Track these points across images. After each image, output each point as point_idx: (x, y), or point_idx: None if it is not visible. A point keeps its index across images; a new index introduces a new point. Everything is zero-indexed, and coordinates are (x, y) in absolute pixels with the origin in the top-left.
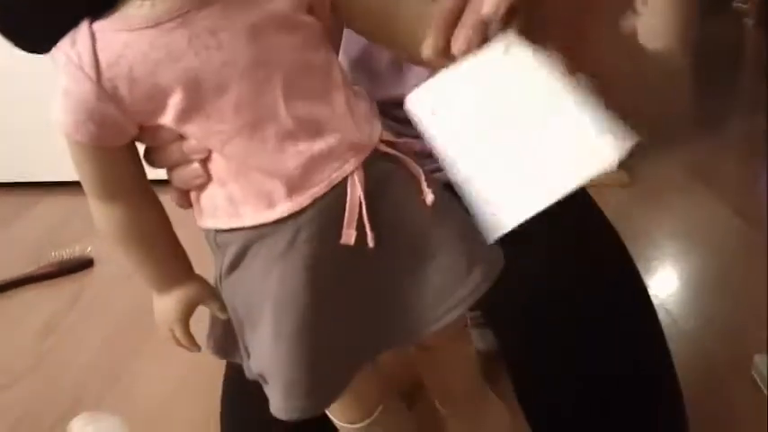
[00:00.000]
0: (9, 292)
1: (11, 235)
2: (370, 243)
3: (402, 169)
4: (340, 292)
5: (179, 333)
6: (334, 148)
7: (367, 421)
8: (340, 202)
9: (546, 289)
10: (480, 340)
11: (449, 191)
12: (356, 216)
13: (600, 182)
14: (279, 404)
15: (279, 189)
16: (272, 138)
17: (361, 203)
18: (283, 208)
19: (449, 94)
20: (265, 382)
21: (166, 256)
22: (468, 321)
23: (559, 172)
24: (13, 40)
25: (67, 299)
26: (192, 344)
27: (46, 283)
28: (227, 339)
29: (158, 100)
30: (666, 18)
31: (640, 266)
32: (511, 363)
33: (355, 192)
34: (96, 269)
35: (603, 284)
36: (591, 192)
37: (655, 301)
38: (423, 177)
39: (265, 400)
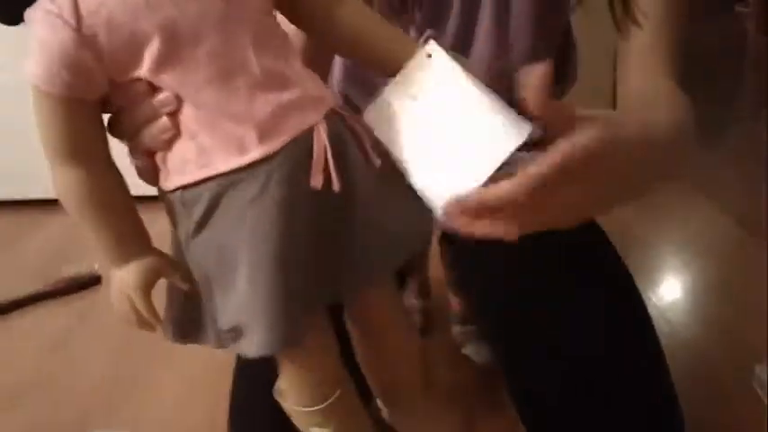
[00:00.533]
0: (19, 310)
1: (19, 252)
2: (336, 187)
3: (354, 133)
4: (309, 233)
5: (139, 302)
6: (300, 100)
7: (322, 405)
8: (307, 149)
9: (534, 289)
10: (477, 354)
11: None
12: (323, 162)
13: None
14: (262, 340)
15: (250, 135)
16: (242, 87)
17: (326, 149)
18: (255, 153)
19: (390, 107)
20: (240, 333)
21: (127, 225)
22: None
23: (481, 158)
24: None
25: (76, 316)
26: (154, 315)
27: (55, 300)
28: (185, 319)
29: (136, 48)
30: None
31: (641, 276)
32: (503, 362)
33: (321, 139)
34: (104, 286)
35: (595, 282)
36: None
37: (655, 311)
38: (369, 144)
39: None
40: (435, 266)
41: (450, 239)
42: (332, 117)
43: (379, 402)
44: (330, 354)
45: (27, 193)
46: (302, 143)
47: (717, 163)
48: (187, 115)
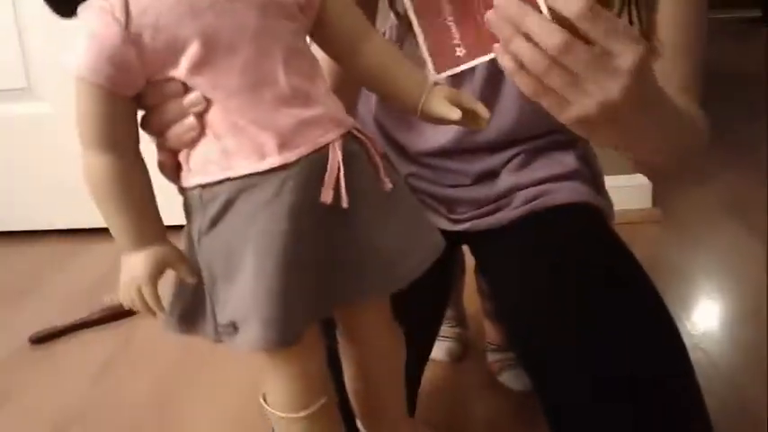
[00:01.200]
0: (63, 337)
1: (64, 280)
2: (344, 204)
3: (367, 155)
4: (315, 242)
5: (147, 291)
6: (320, 118)
7: (304, 413)
8: (322, 164)
9: (575, 321)
10: (515, 381)
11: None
12: (335, 178)
13: (632, 219)
14: (255, 335)
15: (271, 143)
16: (269, 99)
17: (339, 168)
18: (274, 160)
19: None
20: (237, 328)
21: (146, 214)
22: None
23: None
24: (53, 6)
25: (119, 343)
26: (158, 305)
27: (98, 327)
28: (188, 312)
29: (176, 50)
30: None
31: (674, 304)
32: (540, 388)
33: (335, 156)
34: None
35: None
36: (624, 228)
37: (688, 339)
38: (382, 166)
39: None
40: (470, 295)
41: (485, 269)
42: (349, 138)
43: (359, 425)
44: (318, 363)
45: (71, 223)
46: (318, 158)
47: (748, 187)
48: (214, 118)
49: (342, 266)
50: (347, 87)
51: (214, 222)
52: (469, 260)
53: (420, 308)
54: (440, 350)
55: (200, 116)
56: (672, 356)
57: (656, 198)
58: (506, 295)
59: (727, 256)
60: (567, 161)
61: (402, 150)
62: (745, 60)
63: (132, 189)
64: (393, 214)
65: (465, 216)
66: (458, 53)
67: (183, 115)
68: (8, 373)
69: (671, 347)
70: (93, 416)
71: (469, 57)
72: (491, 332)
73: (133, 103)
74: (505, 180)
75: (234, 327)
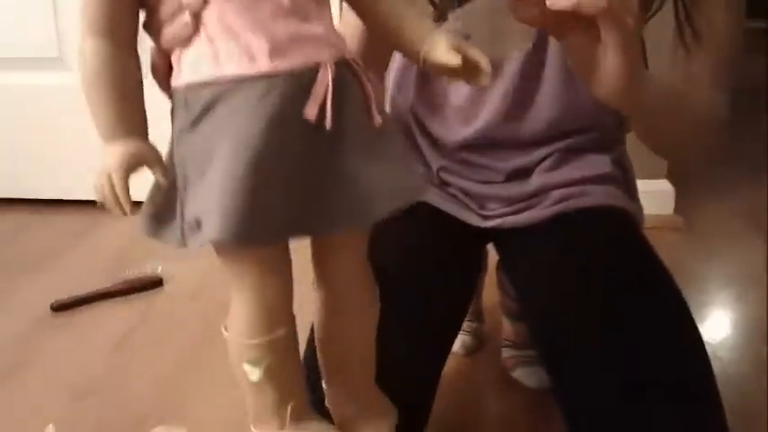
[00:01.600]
0: (84, 307)
1: (84, 250)
2: (328, 124)
3: (361, 87)
4: (292, 156)
5: (117, 182)
6: (317, 37)
7: (261, 339)
8: (311, 80)
9: (601, 323)
10: (529, 378)
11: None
12: (322, 96)
13: (653, 224)
14: (215, 226)
15: (262, 49)
16: (267, 7)
17: (327, 87)
18: (263, 65)
19: None
20: (198, 224)
21: (131, 107)
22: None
23: None
24: None
25: (138, 316)
26: (126, 198)
27: (118, 299)
28: (158, 214)
29: None
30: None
31: (693, 311)
32: (559, 386)
33: (326, 74)
34: (165, 288)
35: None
36: (644, 233)
37: (707, 348)
38: (374, 100)
39: None
40: (487, 290)
41: (510, 267)
42: (343, 66)
43: (324, 384)
44: (283, 287)
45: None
46: (308, 73)
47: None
48: (209, 19)
49: (318, 191)
50: (375, 53)
51: (195, 122)
52: (490, 256)
53: (444, 304)
54: (455, 343)
55: (197, 16)
56: (696, 362)
57: (678, 205)
58: (533, 294)
59: (744, 267)
60: (601, 164)
61: (435, 142)
62: (753, 72)
63: (122, 78)
64: (378, 150)
65: (495, 213)
66: None
67: (180, 12)
68: (29, 340)
69: (695, 353)
70: (111, 386)
71: None
72: (508, 329)
73: (137, 3)
74: (538, 179)
75: (197, 223)
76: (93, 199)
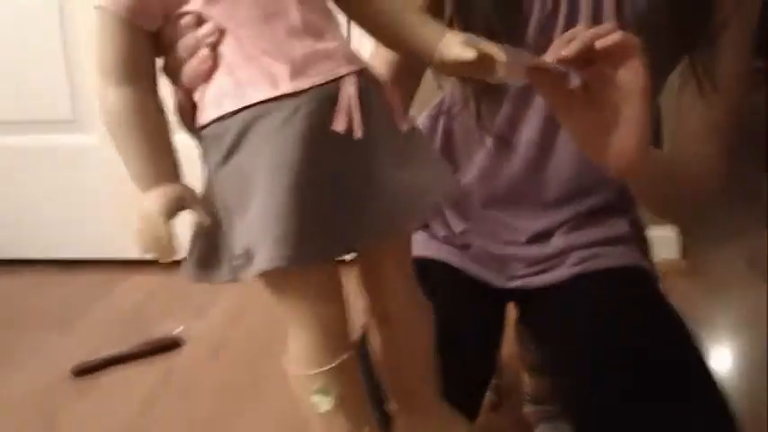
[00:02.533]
0: (107, 370)
1: (102, 310)
2: (358, 133)
3: (383, 95)
4: (328, 170)
5: (161, 228)
6: (333, 53)
7: (326, 367)
8: (335, 96)
9: (620, 382)
10: None
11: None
12: (347, 107)
13: (660, 269)
14: (269, 253)
15: (283, 72)
16: (281, 31)
17: (352, 97)
18: (286, 87)
19: None
20: (251, 255)
21: (161, 151)
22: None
23: None
24: None
25: (162, 376)
26: (172, 243)
27: (139, 361)
28: (204, 256)
29: None
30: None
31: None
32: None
33: (349, 86)
34: (185, 348)
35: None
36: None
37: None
38: (398, 107)
39: None
40: (506, 345)
41: (531, 324)
42: (363, 76)
43: (391, 405)
44: (339, 310)
45: (108, 253)
46: (331, 89)
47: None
48: (227, 49)
49: (357, 201)
50: (405, 78)
51: (228, 155)
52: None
53: (472, 369)
54: None
55: (214, 48)
56: (719, 424)
57: (685, 250)
58: (553, 354)
59: (751, 311)
60: (619, 225)
61: (457, 203)
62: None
63: (148, 122)
64: (408, 153)
65: (517, 274)
66: None
67: (198, 48)
68: (50, 405)
69: (716, 413)
70: None
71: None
72: (528, 383)
73: (152, 40)
74: (558, 241)
75: (248, 254)
76: (108, 258)
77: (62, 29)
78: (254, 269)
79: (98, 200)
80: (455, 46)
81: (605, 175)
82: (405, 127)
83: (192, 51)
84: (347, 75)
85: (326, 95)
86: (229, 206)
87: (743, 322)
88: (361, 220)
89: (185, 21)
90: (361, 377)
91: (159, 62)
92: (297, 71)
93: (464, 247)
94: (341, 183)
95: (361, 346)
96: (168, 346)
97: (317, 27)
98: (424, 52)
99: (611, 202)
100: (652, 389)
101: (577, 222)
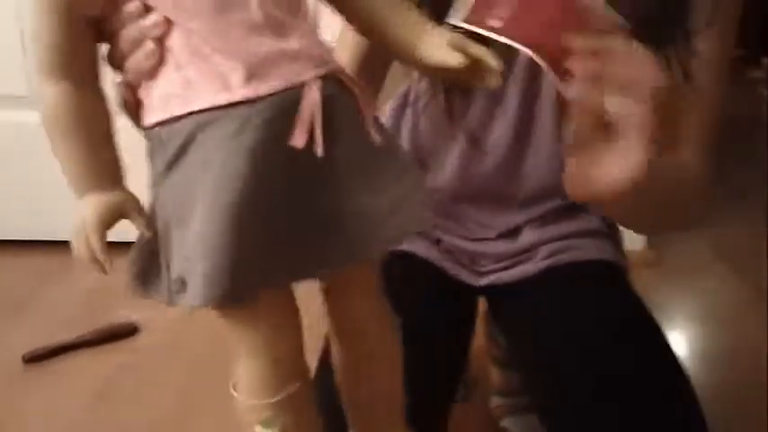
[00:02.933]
0: (60, 356)
1: (60, 294)
2: (319, 151)
3: (355, 103)
4: (280, 191)
5: (94, 240)
6: (297, 53)
7: (275, 397)
8: (295, 104)
9: (591, 378)
10: (515, 427)
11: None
12: (309, 120)
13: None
14: (197, 291)
15: (237, 73)
16: (237, 25)
17: (315, 109)
18: (238, 93)
19: None
20: (184, 285)
21: (103, 154)
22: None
23: None
24: None
25: (116, 365)
26: (105, 256)
27: (92, 348)
28: (146, 269)
29: None
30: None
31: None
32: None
33: (312, 96)
34: (141, 336)
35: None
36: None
37: None
38: (370, 116)
39: None
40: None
41: (500, 320)
42: (332, 81)
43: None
44: (292, 340)
45: (58, 235)
46: (291, 96)
47: (739, 233)
48: (175, 43)
49: (314, 226)
50: (374, 65)
51: (171, 163)
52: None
53: (443, 362)
54: None
55: (161, 42)
56: (689, 415)
57: (650, 241)
58: (523, 349)
59: (717, 302)
60: (590, 219)
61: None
62: (729, 106)
63: (89, 123)
64: (378, 171)
65: (487, 269)
66: (491, 23)
67: (142, 40)
68: (1, 395)
69: (686, 403)
70: None
71: (502, 32)
72: (496, 377)
73: (93, 29)
74: (529, 235)
75: (182, 283)
76: (63, 239)
77: None
78: (187, 302)
79: (53, 178)
80: (439, 49)
81: None
82: (377, 137)
83: (136, 44)
84: (312, 80)
85: (286, 104)
86: (169, 222)
87: (709, 312)
88: (315, 251)
89: (129, 9)
90: (320, 404)
91: (104, 52)
92: (252, 74)
93: (435, 242)
94: (294, 207)
95: (322, 370)
96: (125, 332)
97: (281, 23)
98: (404, 50)
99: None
100: (621, 385)
101: (548, 218)
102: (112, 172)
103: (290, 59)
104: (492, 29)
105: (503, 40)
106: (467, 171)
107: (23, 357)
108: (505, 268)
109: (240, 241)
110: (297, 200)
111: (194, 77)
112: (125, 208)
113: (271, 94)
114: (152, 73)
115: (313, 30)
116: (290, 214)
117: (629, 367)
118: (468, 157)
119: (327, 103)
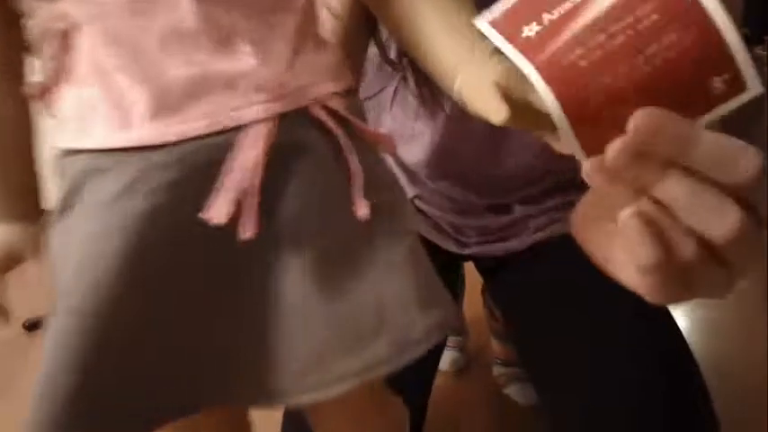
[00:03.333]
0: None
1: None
2: (246, 233)
3: (338, 157)
4: (175, 286)
5: None
6: (241, 79)
7: None
8: (220, 156)
9: (589, 342)
10: (520, 395)
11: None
12: (237, 187)
13: None
14: (32, 421)
15: (142, 104)
16: (159, 30)
17: (250, 163)
18: (139, 133)
19: None
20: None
21: (10, 175)
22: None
23: None
24: None
25: None
26: (3, 309)
27: None
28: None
29: None
30: None
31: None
32: (548, 406)
33: (251, 150)
34: None
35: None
36: None
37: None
38: (360, 177)
39: None
40: (469, 302)
41: (495, 294)
42: (302, 120)
43: None
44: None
45: None
46: (217, 144)
47: None
48: (79, 53)
49: (219, 350)
50: (356, 36)
51: (62, 209)
52: (472, 274)
53: None
54: (443, 361)
55: (65, 48)
56: (681, 371)
57: None
58: (518, 322)
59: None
60: (579, 194)
61: (407, 169)
62: None
63: None
64: (355, 265)
65: (473, 240)
66: (527, 35)
67: (47, 35)
68: (3, 361)
69: (680, 361)
70: None
71: (534, 61)
72: (498, 348)
73: (14, 21)
74: (518, 211)
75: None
76: None
77: None
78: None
79: None
80: (483, 91)
81: (562, 158)
82: (363, 210)
83: (42, 37)
84: (257, 121)
85: (206, 154)
86: (54, 279)
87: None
88: (222, 382)
89: None
90: None
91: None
92: (162, 106)
93: (418, 212)
94: (196, 316)
95: None
96: None
97: (226, 30)
98: (444, 80)
99: (572, 179)
100: (616, 356)
101: (535, 197)
102: (19, 201)
103: (227, 89)
104: (524, 47)
105: (530, 78)
106: (445, 155)
107: (24, 324)
108: (491, 242)
109: (90, 381)
110: (201, 305)
111: (92, 101)
112: (27, 248)
113: (184, 140)
114: (53, 79)
115: (296, 35)
116: (182, 334)
117: (624, 334)
118: (450, 136)
119: (279, 158)
